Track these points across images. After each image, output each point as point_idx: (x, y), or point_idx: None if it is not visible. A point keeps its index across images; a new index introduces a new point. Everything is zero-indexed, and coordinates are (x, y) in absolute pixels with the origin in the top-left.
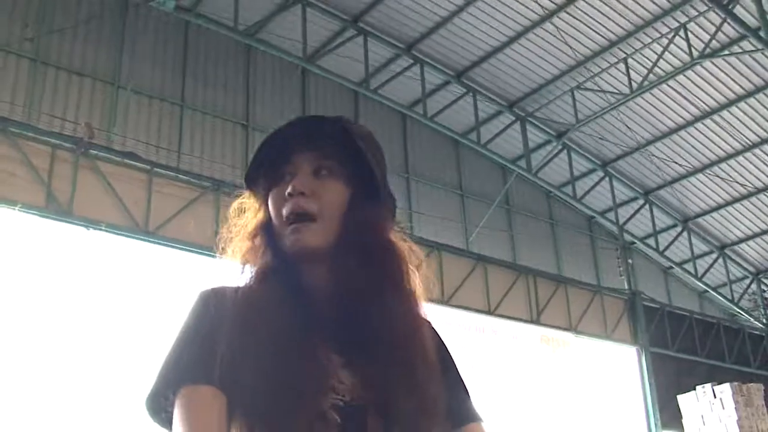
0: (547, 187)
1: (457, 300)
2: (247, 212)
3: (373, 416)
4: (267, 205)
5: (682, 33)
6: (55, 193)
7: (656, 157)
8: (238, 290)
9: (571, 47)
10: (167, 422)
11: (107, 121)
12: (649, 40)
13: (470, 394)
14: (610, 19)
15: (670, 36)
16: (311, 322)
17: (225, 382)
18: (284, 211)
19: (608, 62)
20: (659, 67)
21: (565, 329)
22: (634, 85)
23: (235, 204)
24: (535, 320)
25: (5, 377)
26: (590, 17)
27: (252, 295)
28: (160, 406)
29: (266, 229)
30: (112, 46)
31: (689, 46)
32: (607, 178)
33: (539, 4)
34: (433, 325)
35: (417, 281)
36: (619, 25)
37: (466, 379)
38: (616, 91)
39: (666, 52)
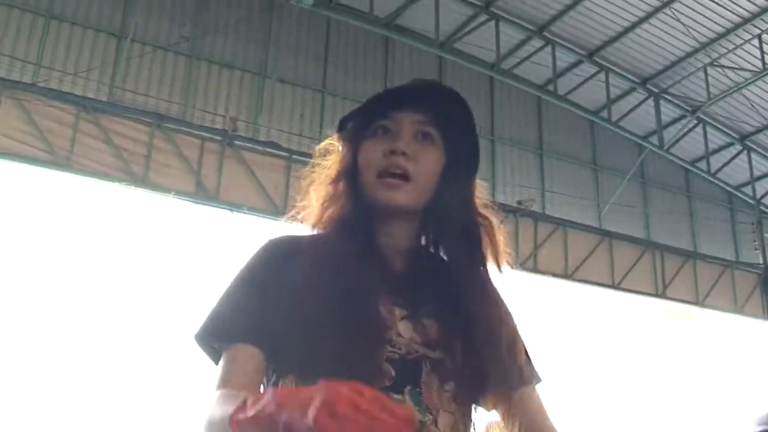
0: (679, 162)
1: (581, 274)
2: (331, 155)
3: (428, 371)
4: (355, 153)
5: None
6: (204, 181)
7: None
8: (311, 239)
9: (703, 25)
10: (214, 358)
11: (253, 112)
12: None
13: (530, 356)
14: None
15: None
16: (378, 275)
17: (277, 332)
18: (381, 167)
19: (742, 39)
20: None
21: (691, 303)
22: None
23: (322, 144)
24: (661, 294)
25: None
26: None
27: (324, 244)
28: (207, 345)
29: (350, 177)
30: (259, 41)
31: None
32: (744, 152)
33: None
34: (504, 292)
35: (497, 253)
36: (753, 2)
37: (527, 343)
38: (753, 68)
39: None
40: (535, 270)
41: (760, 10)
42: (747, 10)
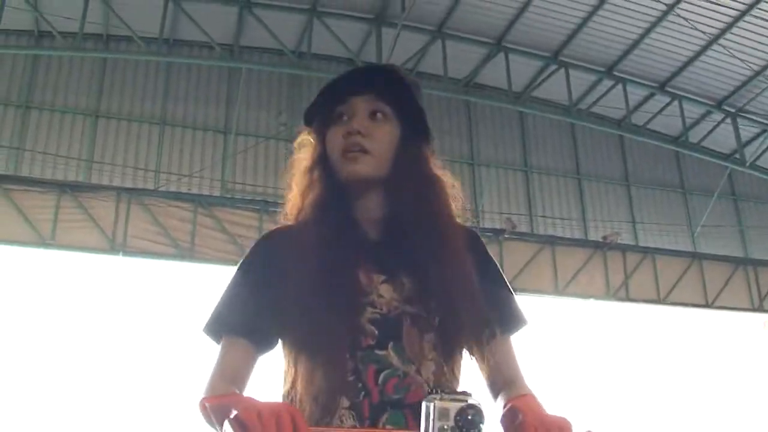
0: (763, 175)
1: (674, 298)
2: (305, 148)
3: (409, 325)
4: (323, 142)
5: None
6: None
7: None
8: (296, 226)
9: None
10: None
11: None
12: None
13: (514, 301)
14: None
15: None
16: (358, 246)
17: (269, 321)
18: (342, 147)
19: None
20: None
21: None
22: None
23: (298, 140)
24: (758, 307)
25: None
26: None
27: (306, 227)
28: (209, 336)
29: (322, 164)
30: None
31: None
32: None
33: (734, 3)
34: (478, 237)
35: (456, 206)
36: None
37: (509, 286)
38: None
39: None
40: (627, 299)
41: None
42: None
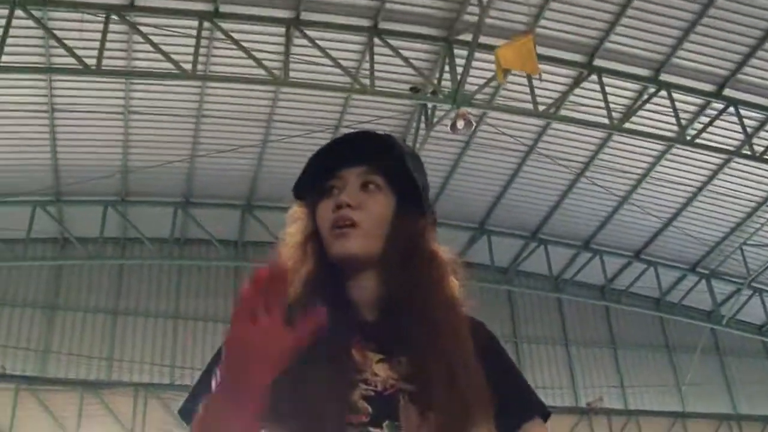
0: (741, 333)
1: None
2: (296, 222)
3: (407, 403)
4: (314, 216)
5: None
6: None
7: None
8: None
9: (732, 209)
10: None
11: None
12: None
13: (530, 388)
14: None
15: None
16: (351, 326)
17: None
18: (331, 221)
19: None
20: None
21: None
22: None
23: (290, 213)
24: None
25: None
26: (741, 179)
27: (298, 302)
28: (187, 419)
29: (314, 239)
30: None
31: None
32: None
33: (704, 170)
34: (482, 324)
35: (455, 284)
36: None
37: (522, 375)
38: None
39: None
40: None
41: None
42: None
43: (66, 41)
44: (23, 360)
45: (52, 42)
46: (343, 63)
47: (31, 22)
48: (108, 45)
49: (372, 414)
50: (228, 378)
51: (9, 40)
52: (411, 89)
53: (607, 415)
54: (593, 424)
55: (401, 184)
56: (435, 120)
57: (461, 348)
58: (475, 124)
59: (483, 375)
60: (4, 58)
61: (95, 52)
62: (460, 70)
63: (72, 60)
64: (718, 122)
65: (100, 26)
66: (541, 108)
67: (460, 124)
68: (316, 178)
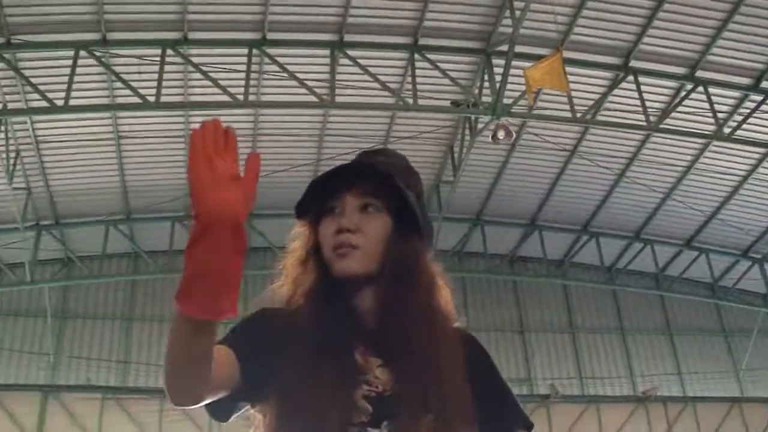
0: None
1: None
2: (298, 239)
3: (406, 405)
4: (316, 233)
5: None
6: None
7: None
8: (290, 310)
9: None
10: None
11: None
12: None
13: (515, 400)
14: None
15: None
16: (354, 333)
17: (270, 381)
18: (332, 244)
19: None
20: None
21: None
22: None
23: (293, 231)
24: None
25: None
26: None
27: (299, 310)
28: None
29: (315, 255)
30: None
31: None
32: None
33: (748, 161)
34: (473, 338)
35: (446, 299)
36: None
37: (509, 387)
38: None
39: None
40: None
41: None
42: None
43: (126, 76)
44: (106, 371)
45: (114, 79)
46: (386, 80)
47: (93, 61)
48: (165, 77)
49: (372, 414)
50: (198, 219)
51: (75, 79)
52: (452, 103)
53: (663, 402)
54: (650, 411)
55: (398, 204)
56: (478, 128)
57: (453, 355)
58: (515, 134)
59: (470, 383)
60: (72, 96)
61: (154, 86)
62: (498, 79)
63: (134, 96)
64: (756, 114)
65: (157, 60)
66: (578, 114)
67: (501, 134)
68: (318, 199)
